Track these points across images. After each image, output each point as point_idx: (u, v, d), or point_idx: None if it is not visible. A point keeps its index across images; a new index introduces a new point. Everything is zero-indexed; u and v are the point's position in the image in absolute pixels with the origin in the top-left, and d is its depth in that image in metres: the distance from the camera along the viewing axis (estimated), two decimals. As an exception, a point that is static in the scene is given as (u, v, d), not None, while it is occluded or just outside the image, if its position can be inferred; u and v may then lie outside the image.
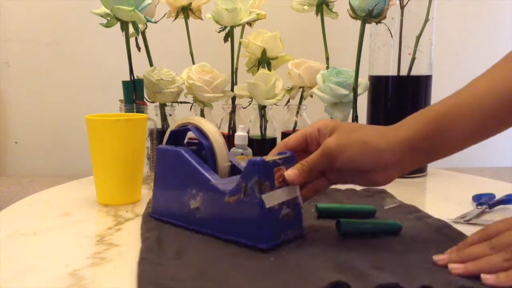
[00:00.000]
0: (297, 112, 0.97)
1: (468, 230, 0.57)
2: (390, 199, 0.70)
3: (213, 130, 0.59)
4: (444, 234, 0.54)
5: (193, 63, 0.95)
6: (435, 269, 0.44)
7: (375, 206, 0.64)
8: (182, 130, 0.62)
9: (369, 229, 0.56)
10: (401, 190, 0.75)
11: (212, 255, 0.48)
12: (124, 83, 0.84)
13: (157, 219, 0.60)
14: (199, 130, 0.59)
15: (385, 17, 0.82)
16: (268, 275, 0.43)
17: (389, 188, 0.79)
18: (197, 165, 0.56)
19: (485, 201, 0.68)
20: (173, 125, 0.64)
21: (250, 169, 0.50)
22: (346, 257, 0.47)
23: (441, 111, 0.51)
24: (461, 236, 0.53)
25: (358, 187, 0.75)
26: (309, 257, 0.47)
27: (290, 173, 0.51)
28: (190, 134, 0.64)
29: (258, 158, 0.50)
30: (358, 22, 0.84)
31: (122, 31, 0.83)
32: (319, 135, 0.54)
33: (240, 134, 0.81)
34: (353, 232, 0.55)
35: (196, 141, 0.61)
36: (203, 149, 0.58)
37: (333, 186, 0.76)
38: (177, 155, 0.57)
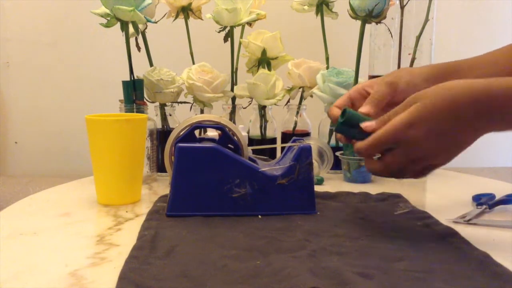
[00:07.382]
0: (297, 112, 0.97)
1: (468, 230, 0.58)
2: (403, 204, 0.67)
3: (238, 129, 0.67)
4: (449, 243, 0.52)
5: (193, 63, 0.95)
6: (426, 279, 0.43)
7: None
8: (190, 130, 0.66)
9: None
10: (401, 190, 0.75)
11: (201, 256, 0.48)
12: (124, 83, 0.84)
13: (175, 216, 0.61)
14: (222, 128, 0.66)
15: (385, 17, 0.82)
16: (250, 278, 0.43)
17: (388, 187, 0.79)
18: (239, 159, 0.62)
19: (485, 201, 0.68)
20: (183, 124, 0.67)
21: (303, 154, 0.61)
22: (336, 262, 0.46)
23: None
24: (467, 245, 0.51)
25: (372, 191, 0.74)
26: (297, 261, 0.46)
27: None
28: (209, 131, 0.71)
29: (306, 145, 0.62)
30: (358, 22, 0.85)
31: (122, 31, 0.83)
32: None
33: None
34: (353, 124, 0.54)
35: (213, 138, 0.68)
36: (223, 144, 0.65)
37: (347, 189, 0.77)
38: (213, 151, 0.61)
